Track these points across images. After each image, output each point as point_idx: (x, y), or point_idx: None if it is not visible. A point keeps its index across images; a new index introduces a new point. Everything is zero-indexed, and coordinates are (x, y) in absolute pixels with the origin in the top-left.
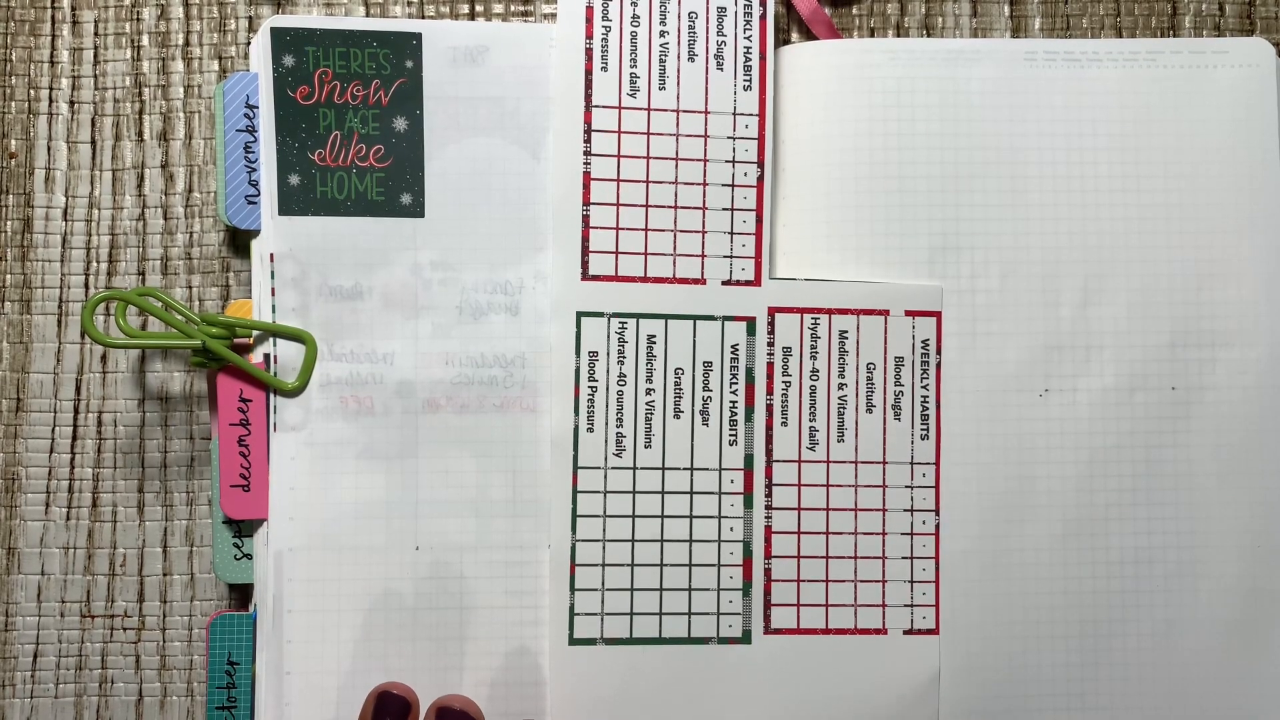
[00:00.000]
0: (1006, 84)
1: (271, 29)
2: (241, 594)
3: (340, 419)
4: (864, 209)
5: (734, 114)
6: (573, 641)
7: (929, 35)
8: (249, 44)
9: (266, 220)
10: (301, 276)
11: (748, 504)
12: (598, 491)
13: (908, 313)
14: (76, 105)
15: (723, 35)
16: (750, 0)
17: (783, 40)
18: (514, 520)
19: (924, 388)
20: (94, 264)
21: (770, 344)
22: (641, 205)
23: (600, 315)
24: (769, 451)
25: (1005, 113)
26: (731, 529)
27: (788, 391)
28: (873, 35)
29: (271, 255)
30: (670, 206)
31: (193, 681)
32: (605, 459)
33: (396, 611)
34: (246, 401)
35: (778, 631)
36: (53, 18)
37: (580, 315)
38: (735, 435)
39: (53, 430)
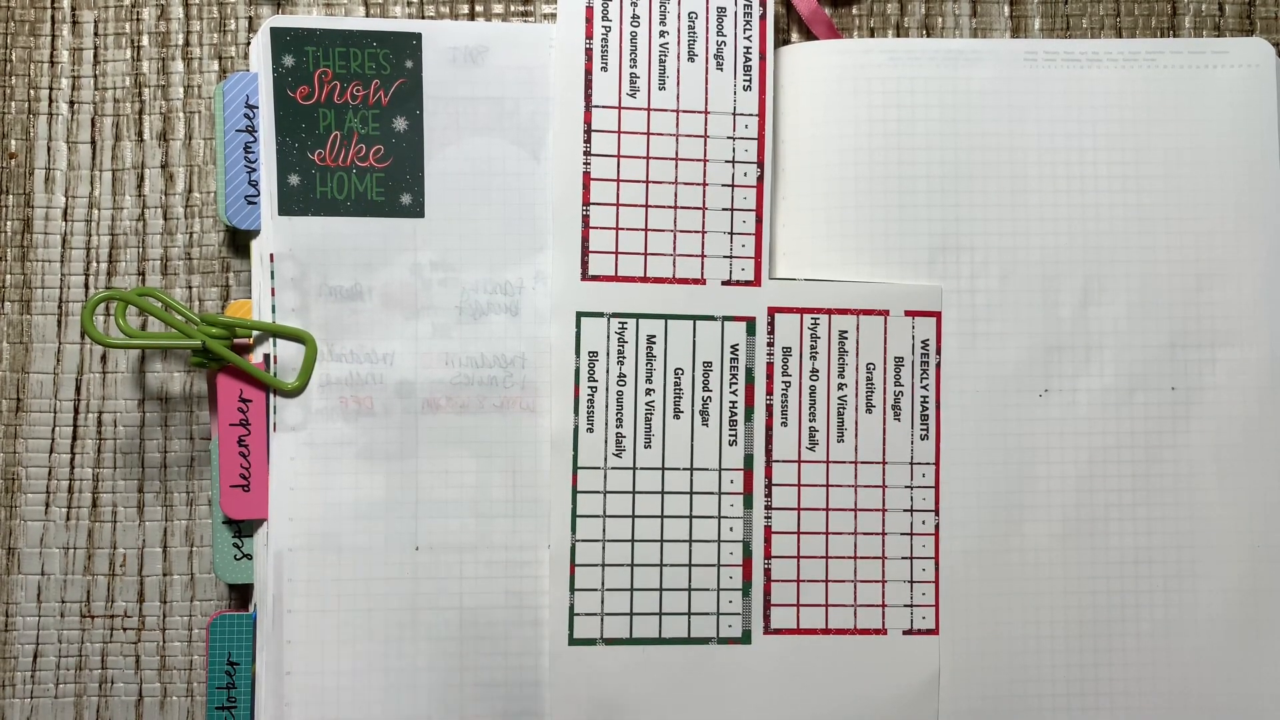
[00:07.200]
0: (1006, 84)
1: (271, 29)
2: (241, 594)
3: (340, 419)
4: (864, 209)
5: (734, 114)
6: (572, 642)
7: (929, 35)
8: (249, 44)
9: (266, 220)
10: (301, 277)
11: (747, 504)
12: (597, 492)
13: (907, 313)
14: (76, 105)
15: (722, 35)
16: (750, 0)
17: (782, 40)
18: (514, 520)
19: (924, 388)
20: (94, 264)
21: (770, 344)
22: (641, 205)
23: (600, 315)
24: (769, 451)
25: (1005, 113)
26: (731, 529)
27: (787, 391)
28: (873, 35)
29: (271, 255)
30: (670, 206)
31: (193, 682)
32: (605, 459)
33: (396, 611)
34: (246, 402)
35: (777, 632)
36: (53, 18)
37: (580, 315)
38: (735, 435)
39: (53, 430)
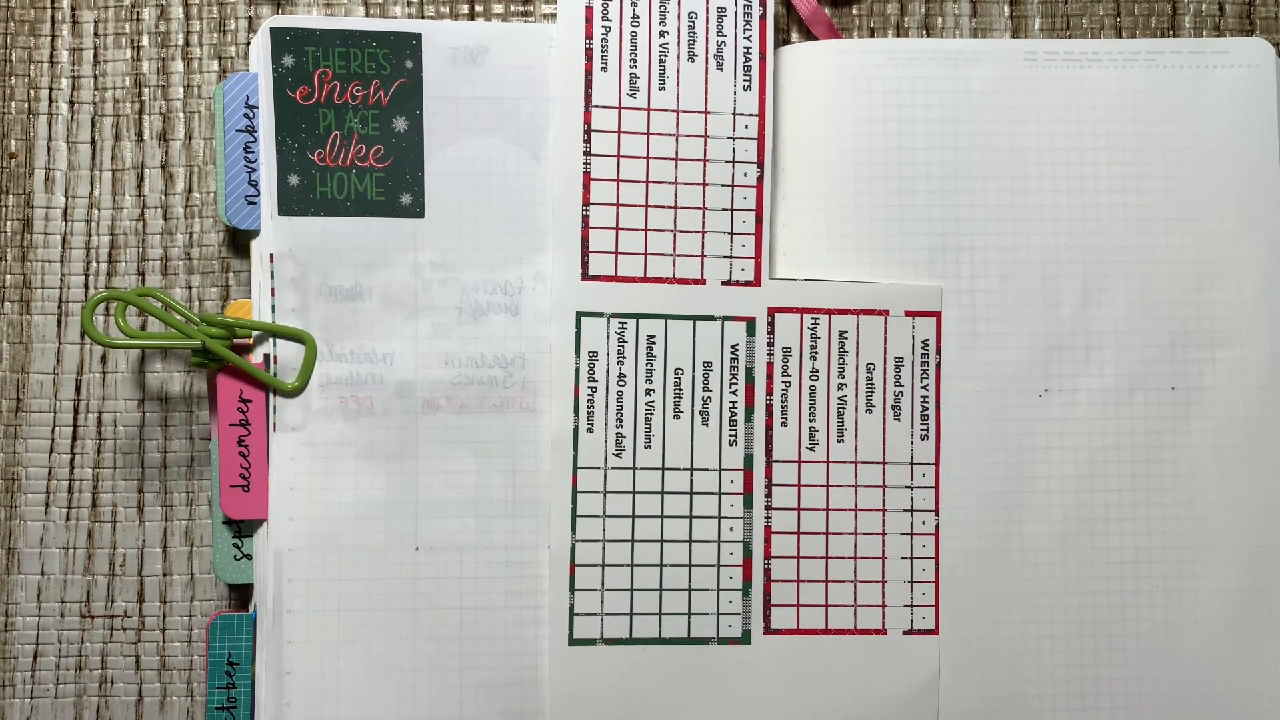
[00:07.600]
0: (1006, 84)
1: (271, 29)
2: (241, 594)
3: (340, 419)
4: (864, 209)
5: (734, 114)
6: (572, 642)
7: (929, 35)
8: (249, 44)
9: (266, 220)
10: (301, 277)
11: (747, 504)
12: (597, 492)
13: (907, 313)
14: (76, 105)
15: (722, 35)
16: (750, 0)
17: (782, 40)
18: (514, 520)
19: (924, 388)
20: (94, 264)
21: (770, 344)
22: (641, 205)
23: (600, 315)
24: (769, 452)
25: (1005, 113)
26: (731, 529)
27: (787, 392)
28: (873, 35)
29: (271, 255)
30: (670, 206)
31: (193, 682)
32: (605, 459)
33: (396, 612)
34: (246, 402)
35: (777, 632)
36: (52, 18)
37: (580, 315)
38: (735, 435)
39: (53, 430)
